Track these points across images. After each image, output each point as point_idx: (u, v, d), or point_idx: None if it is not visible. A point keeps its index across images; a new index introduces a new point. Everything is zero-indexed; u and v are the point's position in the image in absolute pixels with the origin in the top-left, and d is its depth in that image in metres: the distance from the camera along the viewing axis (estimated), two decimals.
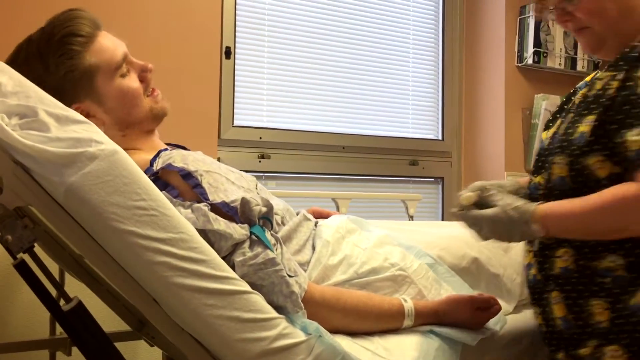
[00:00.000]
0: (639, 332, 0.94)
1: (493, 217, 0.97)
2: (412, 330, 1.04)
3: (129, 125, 1.10)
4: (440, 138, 2.44)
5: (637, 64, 0.96)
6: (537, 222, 0.95)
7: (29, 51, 1.04)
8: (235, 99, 1.99)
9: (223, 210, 0.95)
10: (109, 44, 1.08)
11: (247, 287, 0.91)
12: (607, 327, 0.95)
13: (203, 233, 0.92)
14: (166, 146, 1.16)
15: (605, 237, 0.97)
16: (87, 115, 1.01)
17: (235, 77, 1.99)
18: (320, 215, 1.29)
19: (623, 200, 0.91)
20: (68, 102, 0.97)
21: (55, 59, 1.02)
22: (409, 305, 1.05)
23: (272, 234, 0.99)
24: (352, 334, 1.00)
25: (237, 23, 1.99)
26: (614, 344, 0.95)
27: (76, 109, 0.97)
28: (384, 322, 1.04)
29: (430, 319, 1.07)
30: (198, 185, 0.97)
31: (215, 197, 0.96)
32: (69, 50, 1.03)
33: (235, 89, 1.99)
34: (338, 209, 1.83)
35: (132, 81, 1.09)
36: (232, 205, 0.95)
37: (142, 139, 1.12)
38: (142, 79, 1.12)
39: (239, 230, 0.94)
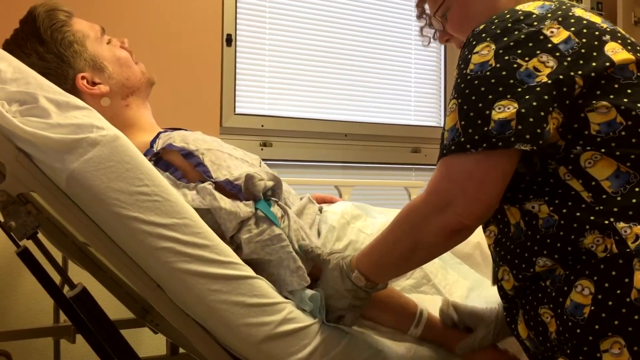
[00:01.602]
0: (579, 338, 0.73)
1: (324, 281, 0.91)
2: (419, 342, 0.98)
3: (130, 92, 1.11)
4: (442, 125, 2.42)
5: (469, 41, 0.82)
6: (354, 269, 0.88)
7: (21, 36, 1.07)
8: (237, 87, 1.98)
9: (227, 188, 0.95)
10: (84, 21, 1.13)
11: (251, 272, 0.91)
12: (556, 338, 0.77)
13: (210, 214, 0.91)
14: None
15: (410, 262, 0.87)
16: (93, 83, 1.07)
17: (237, 65, 1.97)
18: (323, 201, 1.29)
19: (408, 214, 0.83)
20: (73, 73, 1.05)
21: (48, 30, 1.06)
22: (424, 314, 0.98)
23: (279, 205, 0.99)
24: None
25: (238, 10, 1.97)
26: (562, 357, 0.77)
27: (82, 78, 1.06)
28: (392, 316, 0.99)
29: (439, 339, 0.99)
30: (200, 164, 0.97)
31: (218, 174, 0.96)
32: (58, 20, 1.08)
33: (237, 76, 1.98)
34: (341, 197, 1.82)
35: (119, 49, 1.13)
36: (235, 183, 0.95)
37: (143, 110, 1.13)
38: (124, 49, 1.15)
39: (243, 209, 0.93)
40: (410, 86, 2.35)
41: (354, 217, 1.17)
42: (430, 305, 1.01)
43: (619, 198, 0.75)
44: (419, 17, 1.05)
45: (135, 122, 1.11)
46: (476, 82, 0.78)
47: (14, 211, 0.83)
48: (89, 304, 0.88)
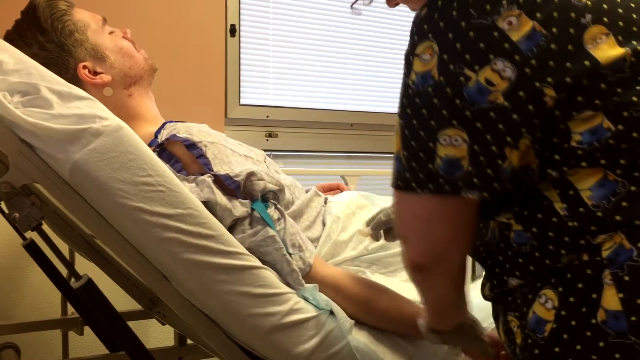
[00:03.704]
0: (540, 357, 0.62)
1: None
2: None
3: (133, 81, 1.10)
4: None
5: (412, 31, 0.67)
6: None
7: (22, 25, 1.06)
8: (241, 78, 1.97)
9: (225, 183, 0.94)
10: (85, 11, 1.12)
11: (257, 262, 0.90)
12: (520, 354, 0.65)
13: (208, 205, 0.91)
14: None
15: (426, 298, 0.75)
16: (95, 73, 1.06)
17: (241, 56, 1.96)
18: (329, 188, 1.28)
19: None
20: (74, 63, 1.05)
21: (48, 19, 1.05)
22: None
23: (277, 208, 0.98)
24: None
25: (241, 0, 1.96)
26: None
27: (83, 68, 1.05)
28: (403, 325, 0.95)
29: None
30: (202, 156, 0.96)
31: (219, 168, 0.95)
32: (58, 9, 1.07)
33: (241, 67, 1.96)
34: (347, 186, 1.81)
35: (121, 39, 1.12)
36: (235, 178, 0.94)
37: (146, 100, 1.12)
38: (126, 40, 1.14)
39: (239, 208, 0.93)
40: None
41: (359, 207, 1.16)
42: None
43: (599, 213, 0.59)
44: None
45: (139, 112, 1.10)
46: (417, 100, 0.62)
47: (17, 203, 0.83)
48: (94, 294, 0.88)
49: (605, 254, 0.59)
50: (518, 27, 0.58)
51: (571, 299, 0.60)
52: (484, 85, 0.58)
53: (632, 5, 0.62)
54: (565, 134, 0.60)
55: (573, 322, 0.59)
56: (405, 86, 0.64)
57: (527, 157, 0.61)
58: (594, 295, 0.58)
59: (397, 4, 0.84)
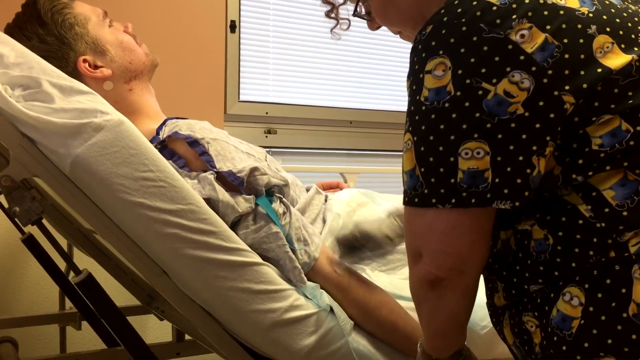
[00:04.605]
0: (565, 357, 0.63)
1: None
2: None
3: (133, 76, 1.09)
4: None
5: (417, 48, 0.66)
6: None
7: (22, 19, 1.05)
8: (241, 74, 1.96)
9: (228, 179, 0.94)
10: (86, 5, 1.12)
11: (258, 259, 0.90)
12: (541, 352, 0.66)
13: (210, 203, 0.91)
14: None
15: (423, 320, 0.74)
16: (95, 66, 1.06)
17: (241, 52, 1.96)
18: (329, 187, 1.28)
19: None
20: (75, 56, 1.04)
21: (48, 12, 1.04)
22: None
23: (282, 202, 0.97)
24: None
25: None
26: None
27: (83, 61, 1.04)
28: (399, 339, 0.95)
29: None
30: (205, 153, 0.96)
31: (222, 165, 0.95)
32: (59, 2, 1.06)
33: (241, 63, 1.96)
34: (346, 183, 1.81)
35: (122, 33, 1.12)
36: (238, 175, 0.94)
37: (147, 95, 1.12)
38: (127, 34, 1.14)
39: (242, 204, 0.92)
40: None
41: (360, 204, 1.17)
42: None
43: (625, 213, 0.60)
44: (328, 15, 0.90)
45: (140, 107, 1.09)
46: (433, 116, 0.62)
47: (18, 197, 0.82)
48: (95, 290, 0.88)
49: (633, 249, 0.59)
50: (530, 39, 0.60)
51: (599, 295, 0.60)
52: (503, 97, 0.59)
53: (625, 14, 0.65)
54: (584, 139, 0.61)
55: (603, 317, 0.60)
56: (417, 103, 0.64)
57: (549, 164, 0.63)
58: (624, 290, 0.59)
59: (378, 27, 0.85)
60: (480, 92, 0.59)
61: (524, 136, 0.59)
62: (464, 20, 0.61)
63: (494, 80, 0.59)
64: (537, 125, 0.60)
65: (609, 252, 0.61)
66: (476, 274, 0.68)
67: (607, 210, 0.61)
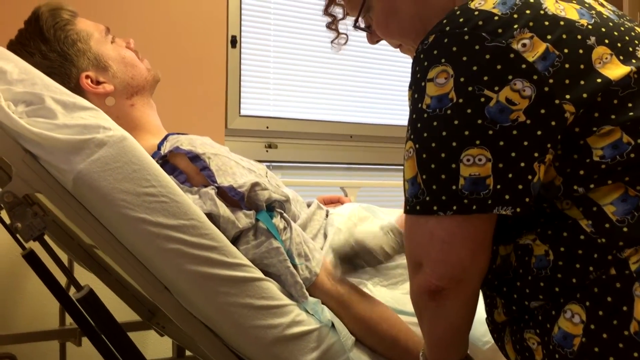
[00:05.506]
0: None
1: None
2: None
3: (135, 91, 1.10)
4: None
5: (419, 57, 0.66)
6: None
7: (25, 35, 1.06)
8: (242, 89, 1.97)
9: (229, 194, 0.94)
10: (89, 21, 1.13)
11: (260, 274, 0.90)
12: None
13: (211, 218, 0.91)
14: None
15: (425, 329, 0.73)
16: (97, 82, 1.06)
17: (242, 67, 1.97)
18: (330, 201, 1.28)
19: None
20: (77, 72, 1.04)
21: (51, 29, 1.05)
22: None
23: (283, 217, 0.97)
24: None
25: (242, 12, 1.97)
26: None
27: (86, 77, 1.05)
28: (400, 354, 0.94)
29: None
30: (206, 168, 0.96)
31: (223, 180, 0.95)
32: (61, 19, 1.07)
33: (242, 78, 1.97)
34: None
35: (124, 49, 1.12)
36: (239, 190, 0.94)
37: (148, 110, 1.12)
38: (129, 50, 1.14)
39: (242, 220, 0.92)
40: None
41: (361, 219, 1.16)
42: None
43: (625, 229, 0.60)
44: (329, 26, 0.90)
45: (142, 123, 1.10)
46: (435, 123, 0.62)
47: (20, 213, 0.83)
48: (96, 305, 0.87)
49: (634, 267, 0.60)
50: (532, 48, 0.60)
51: (600, 313, 0.60)
52: (505, 104, 0.60)
53: (622, 29, 0.66)
54: (585, 150, 0.61)
55: (604, 335, 0.60)
56: (419, 111, 0.64)
57: (550, 174, 0.63)
58: (625, 308, 0.59)
59: (378, 41, 0.86)
60: (482, 100, 0.60)
61: (525, 143, 0.60)
62: (466, 29, 0.62)
63: (496, 88, 0.60)
64: (539, 132, 0.60)
65: (609, 268, 0.61)
66: (476, 284, 0.68)
67: (607, 225, 0.61)
